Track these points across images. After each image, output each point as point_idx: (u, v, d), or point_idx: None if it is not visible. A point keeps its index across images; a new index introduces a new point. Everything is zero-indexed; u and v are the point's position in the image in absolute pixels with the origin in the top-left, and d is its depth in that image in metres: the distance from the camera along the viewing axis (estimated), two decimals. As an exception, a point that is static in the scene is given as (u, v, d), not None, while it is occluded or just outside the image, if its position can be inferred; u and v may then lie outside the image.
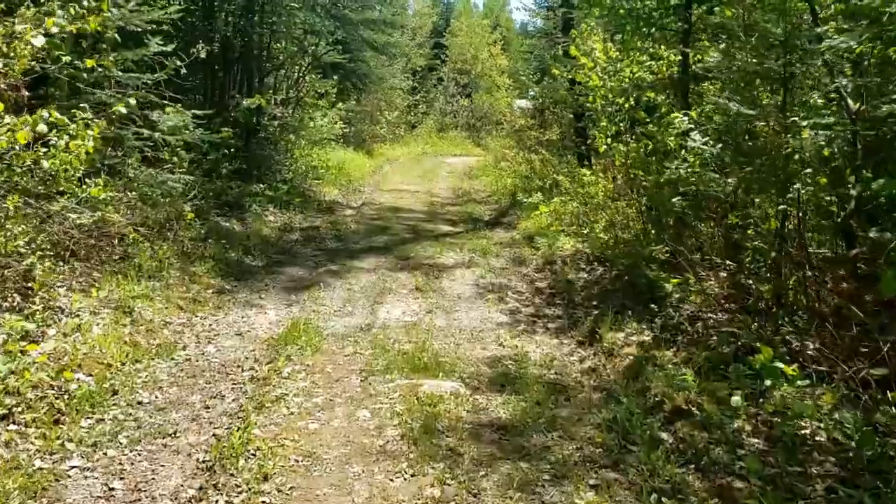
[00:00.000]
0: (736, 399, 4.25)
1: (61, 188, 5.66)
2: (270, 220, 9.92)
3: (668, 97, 8.43)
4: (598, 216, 8.97)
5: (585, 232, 8.91)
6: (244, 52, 11.66)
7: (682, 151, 6.10)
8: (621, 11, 7.58)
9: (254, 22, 11.58)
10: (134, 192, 7.49)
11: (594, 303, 6.71)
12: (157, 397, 4.37)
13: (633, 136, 9.39)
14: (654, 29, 7.53)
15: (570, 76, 12.86)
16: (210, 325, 5.86)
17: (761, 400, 4.42)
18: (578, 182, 10.55)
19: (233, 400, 4.38)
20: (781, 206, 5.01)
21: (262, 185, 10.63)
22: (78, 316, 5.22)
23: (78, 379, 4.33)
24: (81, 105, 7.00)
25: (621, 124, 10.05)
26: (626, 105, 9.45)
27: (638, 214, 8.35)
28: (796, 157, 5.07)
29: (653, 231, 7.55)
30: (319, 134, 16.47)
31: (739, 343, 5.17)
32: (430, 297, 6.97)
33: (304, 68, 14.26)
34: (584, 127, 14.11)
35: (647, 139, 8.16)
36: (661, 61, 8.51)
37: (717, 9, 7.68)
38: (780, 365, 4.44)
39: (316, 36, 15.16)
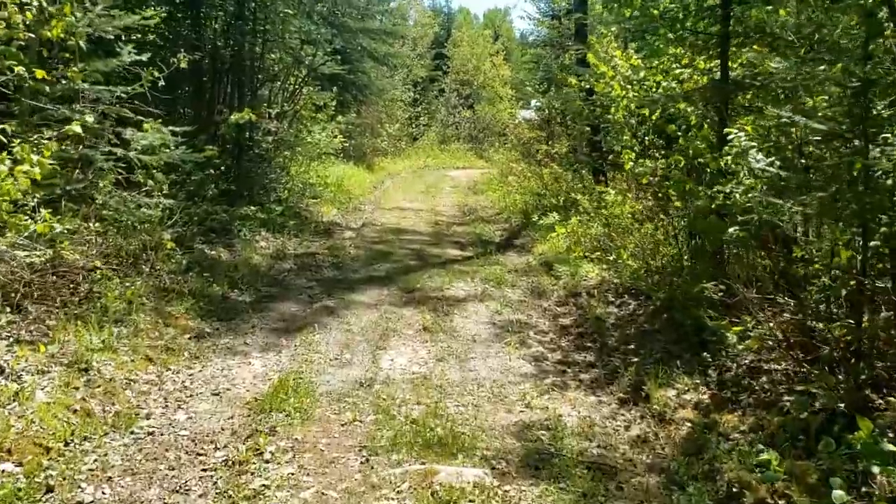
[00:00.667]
0: (839, 494, 3.35)
1: (3, 221, 4.78)
2: (262, 247, 9.02)
3: (702, 108, 7.55)
4: (626, 240, 8.08)
5: (611, 258, 8.02)
6: (235, 63, 10.81)
7: (740, 174, 5.21)
8: (654, 12, 6.71)
9: (245, 30, 10.73)
10: (103, 221, 6.61)
11: (631, 346, 5.81)
12: (104, 493, 3.46)
13: (662, 152, 8.54)
14: (687, 32, 6.66)
15: (586, 86, 12.05)
16: (183, 381, 4.95)
17: (864, 489, 3.51)
18: (600, 201, 9.68)
19: (200, 495, 3.47)
20: (873, 242, 4.12)
21: (253, 208, 9.74)
22: (19, 378, 4.33)
23: (2, 472, 3.42)
24: (39, 123, 6.17)
25: (646, 138, 9.21)
26: (654, 117, 8.60)
27: (670, 239, 7.47)
28: (889, 181, 4.20)
29: (692, 261, 6.65)
30: (317, 149, 15.64)
31: (818, 405, 4.27)
32: (440, 339, 6.07)
33: (300, 80, 13.42)
34: (599, 140, 13.26)
35: (682, 156, 7.31)
36: (690, 68, 7.64)
37: (755, 9, 6.83)
38: (890, 447, 3.56)
39: (313, 45, 14.34)
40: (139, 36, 10.28)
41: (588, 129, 13.37)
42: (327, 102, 18.74)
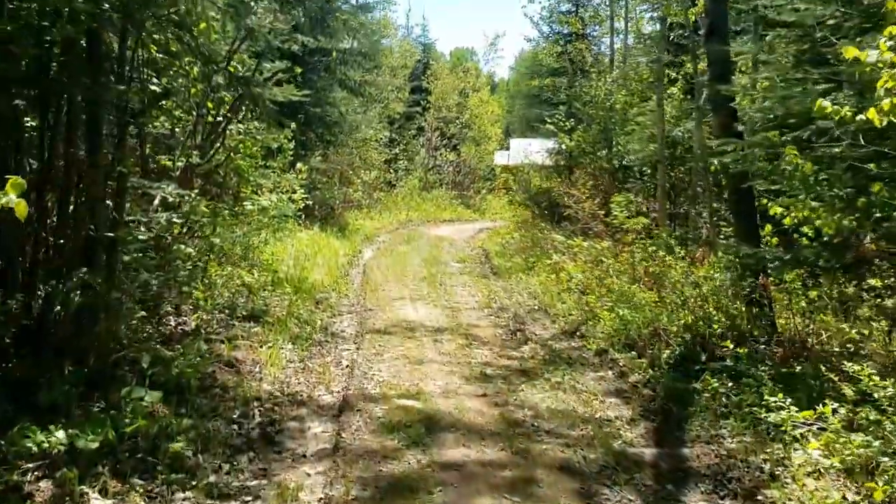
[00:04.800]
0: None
1: None
2: None
3: None
4: None
5: None
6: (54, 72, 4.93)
7: None
8: None
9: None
10: None
11: None
12: None
13: None
14: None
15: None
16: None
17: None
18: None
19: None
20: None
21: (53, 439, 3.72)
22: None
23: None
24: None
25: None
26: None
27: None
28: None
29: None
30: (263, 220, 9.84)
31: None
32: None
33: (226, 107, 7.61)
34: (754, 212, 7.64)
35: None
36: None
37: None
38: None
39: (255, 55, 8.62)
40: None
41: (734, 187, 7.70)
42: (284, 144, 13.02)
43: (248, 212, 9.64)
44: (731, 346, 5.94)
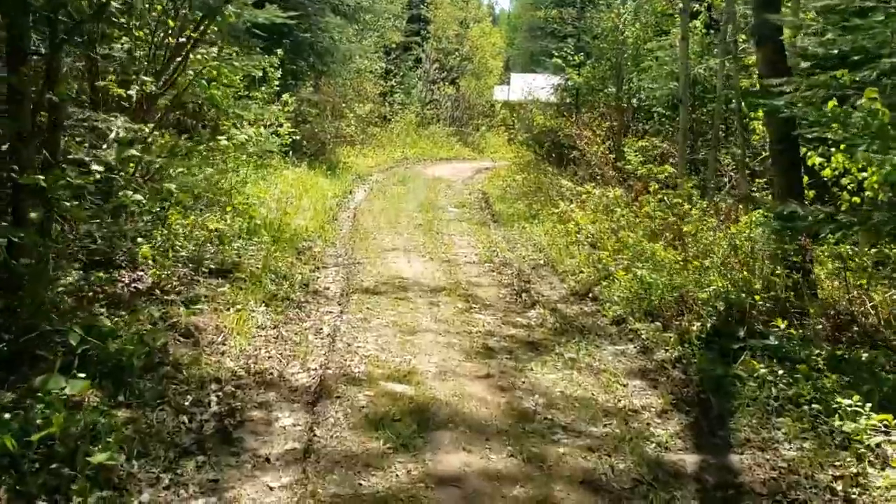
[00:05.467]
0: None
1: None
2: None
3: None
4: None
5: None
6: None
7: None
8: None
9: None
10: None
11: None
12: None
13: None
14: None
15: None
16: None
17: None
18: None
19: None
20: None
21: None
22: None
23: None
24: None
25: None
26: None
27: None
28: None
29: None
30: (240, 155, 8.82)
31: None
32: None
33: (190, 26, 6.45)
34: (797, 163, 6.64)
35: None
36: None
37: None
38: None
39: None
40: None
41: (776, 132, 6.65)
42: (270, 73, 11.85)
43: (223, 147, 8.60)
44: (783, 326, 5.03)
